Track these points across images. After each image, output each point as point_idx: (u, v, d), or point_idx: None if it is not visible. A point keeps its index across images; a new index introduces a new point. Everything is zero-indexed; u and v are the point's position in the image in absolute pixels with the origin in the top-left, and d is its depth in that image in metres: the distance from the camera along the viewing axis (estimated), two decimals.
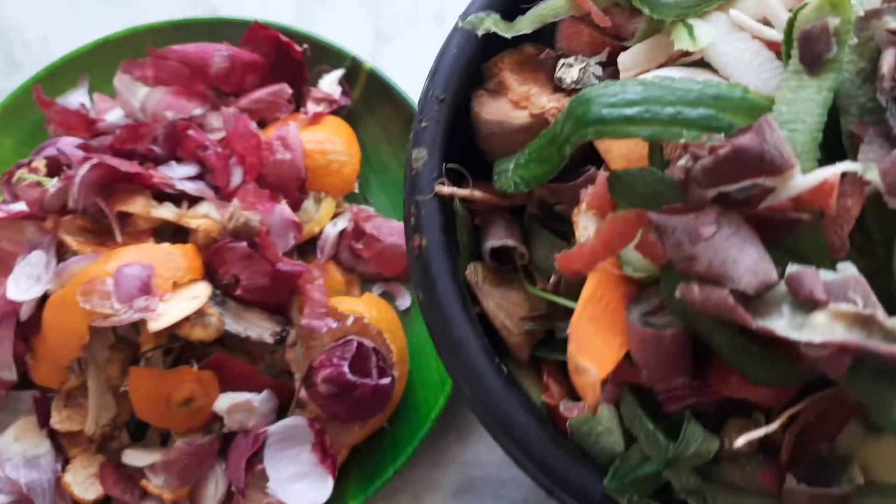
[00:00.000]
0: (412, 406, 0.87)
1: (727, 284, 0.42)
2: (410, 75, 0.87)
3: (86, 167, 0.79)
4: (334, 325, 0.82)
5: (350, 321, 0.82)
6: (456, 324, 0.54)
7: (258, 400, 0.83)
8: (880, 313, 0.41)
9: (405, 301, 0.91)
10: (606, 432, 0.52)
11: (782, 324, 0.42)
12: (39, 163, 0.86)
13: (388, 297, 0.91)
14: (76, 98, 0.95)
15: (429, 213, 0.56)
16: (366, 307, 0.85)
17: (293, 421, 0.83)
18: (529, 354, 0.60)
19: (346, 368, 0.79)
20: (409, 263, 0.56)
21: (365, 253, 0.89)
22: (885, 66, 0.44)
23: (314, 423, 0.82)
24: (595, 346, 0.49)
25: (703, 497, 0.49)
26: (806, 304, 0.42)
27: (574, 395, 0.57)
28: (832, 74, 0.44)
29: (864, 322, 0.41)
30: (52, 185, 0.81)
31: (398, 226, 0.90)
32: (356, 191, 0.93)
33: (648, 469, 0.49)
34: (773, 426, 0.45)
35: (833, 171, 0.43)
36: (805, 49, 0.45)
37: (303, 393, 0.82)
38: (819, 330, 0.41)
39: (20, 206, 0.84)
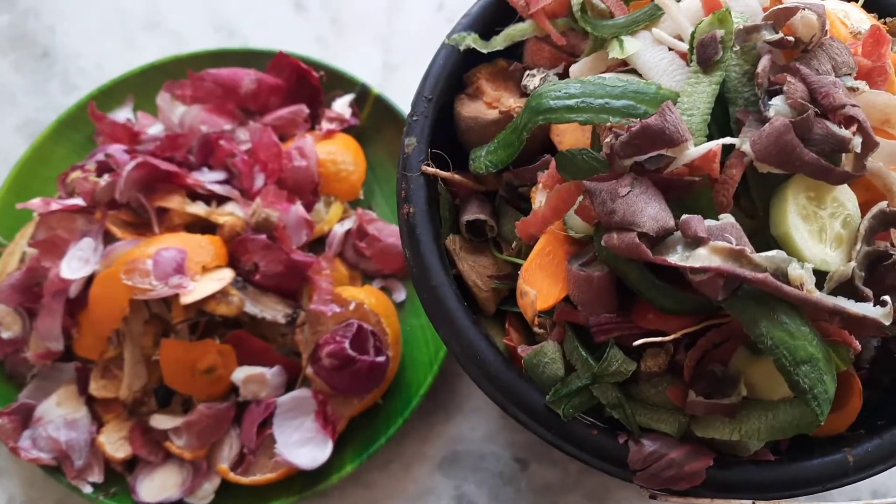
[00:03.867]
0: (404, 384, 0.99)
1: (635, 229, 0.56)
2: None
3: (132, 164, 0.94)
4: (338, 309, 0.95)
5: (352, 306, 0.95)
6: (434, 273, 0.67)
7: (270, 373, 0.95)
8: (749, 249, 0.54)
9: (401, 295, 1.04)
10: (551, 362, 0.64)
11: (675, 257, 0.55)
12: (91, 165, 1.00)
13: (386, 291, 1.04)
14: (122, 115, 1.10)
15: (416, 187, 0.69)
16: (366, 295, 0.98)
17: (300, 393, 0.95)
18: (495, 308, 0.73)
19: (347, 345, 0.92)
20: (399, 227, 0.70)
21: (367, 251, 1.02)
22: (761, 68, 0.58)
23: (318, 394, 0.95)
24: (540, 284, 0.63)
25: (624, 410, 0.62)
26: (693, 242, 0.55)
27: (529, 341, 0.70)
28: (719, 72, 0.59)
29: (736, 255, 0.54)
30: (103, 179, 0.95)
31: (397, 229, 1.03)
32: (361, 197, 1.07)
33: (579, 383, 0.62)
34: (671, 337, 0.58)
35: (716, 143, 0.57)
36: (700, 53, 0.59)
37: (309, 370, 0.95)
38: (700, 259, 0.54)
39: (74, 201, 0.98)
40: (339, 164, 1.03)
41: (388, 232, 1.03)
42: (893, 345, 0.66)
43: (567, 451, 0.63)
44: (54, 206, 0.97)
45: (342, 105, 1.07)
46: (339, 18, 1.22)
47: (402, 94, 1.08)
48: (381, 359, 0.94)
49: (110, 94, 1.11)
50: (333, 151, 1.04)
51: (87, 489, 0.94)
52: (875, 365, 0.68)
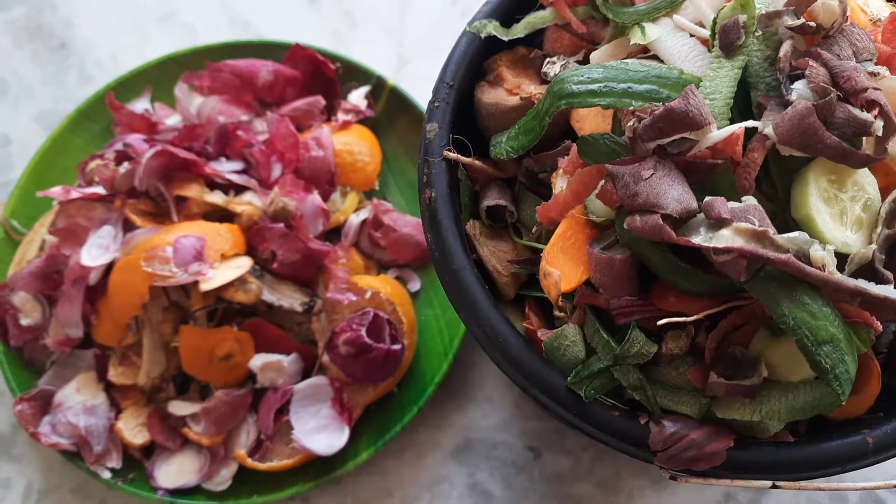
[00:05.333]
0: (418, 373, 1.00)
1: (659, 211, 0.56)
2: (426, 93, 0.99)
3: (151, 152, 0.95)
4: (354, 298, 0.95)
5: (368, 295, 0.96)
6: (456, 257, 0.68)
7: (287, 361, 0.96)
8: (772, 230, 0.55)
9: (415, 285, 1.05)
10: (572, 345, 0.65)
11: (698, 238, 0.56)
12: (110, 154, 1.01)
13: (401, 280, 1.05)
14: (140, 105, 1.11)
15: (438, 172, 0.70)
16: (381, 284, 0.98)
17: (316, 380, 0.96)
18: (515, 293, 0.74)
19: (363, 332, 0.92)
20: (421, 212, 0.71)
21: (382, 241, 1.03)
22: (782, 52, 0.59)
23: (334, 382, 0.95)
24: (562, 267, 0.63)
25: (645, 392, 0.62)
26: (716, 223, 0.56)
27: (549, 325, 0.71)
28: (741, 56, 0.59)
29: (759, 236, 0.55)
30: (123, 168, 0.96)
31: (412, 219, 1.04)
32: (377, 188, 1.08)
33: (600, 364, 0.62)
34: (693, 318, 0.58)
35: (739, 126, 0.57)
36: (723, 38, 0.60)
37: (325, 358, 0.95)
38: (724, 240, 0.55)
39: (93, 189, 0.99)
40: (356, 155, 1.04)
41: (404, 222, 1.04)
42: None
43: (588, 433, 0.64)
44: (74, 194, 0.98)
45: (358, 96, 1.08)
46: (352, 11, 1.23)
47: (415, 86, 1.09)
48: (396, 347, 0.94)
49: (128, 86, 1.11)
50: (349, 142, 1.04)
51: (106, 474, 0.94)
52: (893, 350, 0.68)
